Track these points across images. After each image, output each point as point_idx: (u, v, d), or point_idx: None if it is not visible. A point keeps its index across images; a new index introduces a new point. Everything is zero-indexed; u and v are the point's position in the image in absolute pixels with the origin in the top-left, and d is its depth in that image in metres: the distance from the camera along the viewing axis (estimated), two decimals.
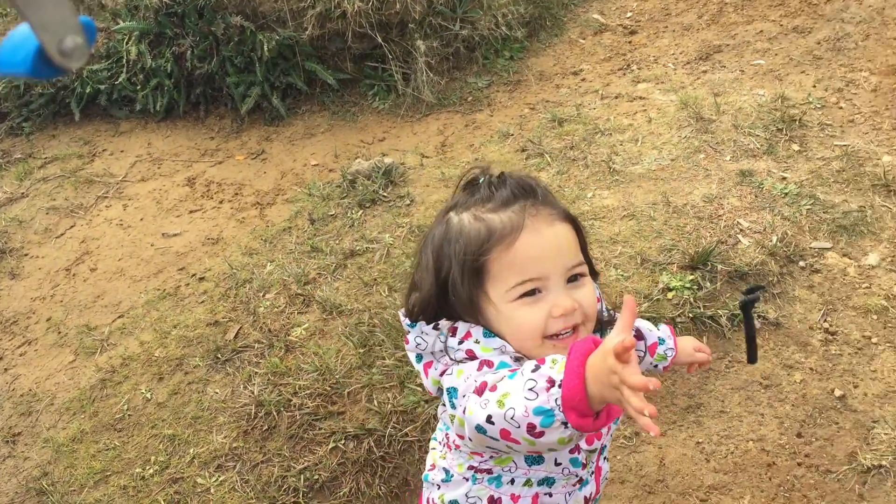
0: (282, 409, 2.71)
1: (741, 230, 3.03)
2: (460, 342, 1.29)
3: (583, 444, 1.35)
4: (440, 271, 1.30)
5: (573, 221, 1.32)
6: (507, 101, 4.37)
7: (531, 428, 1.07)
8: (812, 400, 2.55)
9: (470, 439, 1.20)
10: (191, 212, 3.96)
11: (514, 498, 1.38)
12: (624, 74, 4.33)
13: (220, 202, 3.99)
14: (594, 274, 1.39)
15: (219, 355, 3.01)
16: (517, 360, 1.26)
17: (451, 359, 1.30)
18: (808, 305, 2.81)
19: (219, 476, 2.62)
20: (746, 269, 2.87)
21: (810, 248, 2.97)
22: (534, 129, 3.99)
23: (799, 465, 2.41)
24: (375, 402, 2.66)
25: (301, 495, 2.52)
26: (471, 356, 1.27)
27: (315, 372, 2.78)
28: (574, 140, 3.78)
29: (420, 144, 4.13)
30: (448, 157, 3.97)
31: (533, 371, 1.09)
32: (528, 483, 1.37)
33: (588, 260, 1.33)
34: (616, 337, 1.01)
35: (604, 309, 1.43)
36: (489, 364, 1.25)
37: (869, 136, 3.37)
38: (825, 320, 2.75)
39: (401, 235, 3.38)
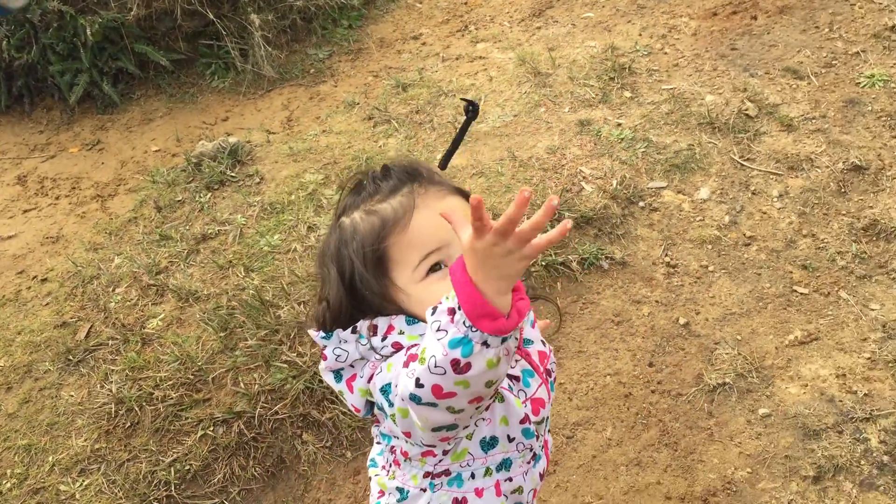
0: (144, 403, 2.63)
1: (584, 177, 3.16)
2: (384, 338, 1.25)
3: (532, 416, 1.33)
4: (344, 275, 1.26)
5: (463, 194, 1.31)
6: (350, 71, 4.34)
7: (455, 364, 1.02)
8: (660, 330, 2.70)
9: (418, 428, 1.16)
10: (25, 211, 3.73)
11: (479, 492, 1.34)
12: (463, 36, 4.39)
13: (57, 198, 3.78)
14: None
15: (70, 357, 2.87)
16: None
17: (378, 358, 1.25)
18: (650, 242, 2.97)
19: (83, 480, 2.52)
20: (591, 213, 3.00)
21: (648, 188, 3.13)
22: (379, 96, 3.99)
23: (653, 392, 2.56)
24: (242, 385, 2.62)
25: (173, 488, 2.46)
26: (398, 348, 1.24)
27: (176, 362, 2.71)
28: (419, 104, 3.80)
29: (265, 121, 4.05)
30: (295, 131, 3.91)
31: (433, 315, 1.06)
32: (487, 472, 1.33)
33: None
34: (465, 232, 1.01)
35: None
36: (414, 357, 1.18)
37: (692, 77, 3.57)
38: (666, 255, 2.92)
39: (253, 214, 3.32)
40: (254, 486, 2.49)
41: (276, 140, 3.82)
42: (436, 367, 1.03)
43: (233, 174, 3.59)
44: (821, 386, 2.46)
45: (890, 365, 2.46)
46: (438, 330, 1.03)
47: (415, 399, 1.09)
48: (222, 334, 2.76)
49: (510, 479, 1.36)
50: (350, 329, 1.26)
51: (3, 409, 2.77)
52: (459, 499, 1.34)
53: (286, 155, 3.65)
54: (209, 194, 3.51)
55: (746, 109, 3.31)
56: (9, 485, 2.54)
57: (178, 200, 3.53)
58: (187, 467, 2.49)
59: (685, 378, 2.57)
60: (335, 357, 1.27)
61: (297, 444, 2.55)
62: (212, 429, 2.55)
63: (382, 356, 1.24)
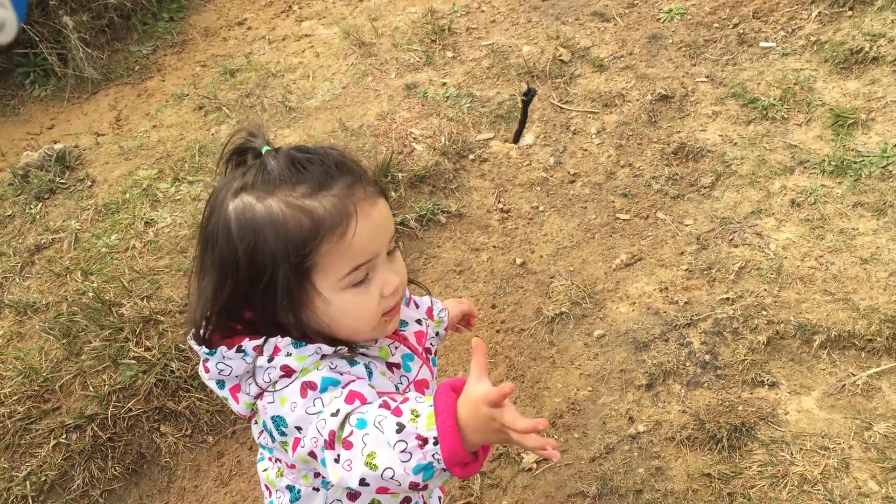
0: None
1: (414, 138, 3.23)
2: (270, 360, 1.20)
3: None
4: (256, 271, 1.16)
5: (381, 188, 1.24)
6: (177, 64, 4.27)
7: (415, 484, 1.05)
8: (499, 273, 2.82)
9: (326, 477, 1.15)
10: None
11: None
12: (287, 16, 4.38)
13: None
14: None
15: None
16: (334, 369, 1.19)
17: (266, 381, 1.20)
18: (483, 192, 3.08)
19: None
20: (424, 171, 3.08)
21: (476, 140, 3.23)
22: (207, 85, 3.94)
23: (497, 331, 2.67)
24: (91, 388, 2.58)
25: (31, 501, 2.41)
26: (287, 372, 1.20)
27: (19, 376, 2.63)
28: (248, 88, 3.79)
29: (93, 124, 3.94)
30: (125, 130, 3.82)
31: (397, 431, 1.05)
32: None
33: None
34: (480, 384, 1.02)
35: None
36: (312, 387, 1.17)
37: (509, 31, 3.69)
38: (499, 201, 3.04)
39: (87, 218, 3.24)
40: (116, 486, 2.47)
41: (105, 141, 3.73)
42: (392, 478, 1.05)
43: (62, 181, 3.49)
44: (647, 301, 2.63)
45: (704, 273, 2.65)
46: (403, 451, 1.04)
47: (350, 489, 1.12)
48: (65, 341, 2.70)
49: None
50: (235, 348, 1.20)
51: None
52: (354, 492, 1.33)
53: (117, 155, 3.58)
54: (39, 204, 3.40)
55: (560, 55, 3.46)
56: None
57: (8, 215, 3.41)
58: (43, 478, 2.44)
59: (526, 314, 2.70)
60: (218, 371, 1.23)
61: (155, 438, 2.54)
62: (64, 436, 2.51)
63: (269, 381, 1.20)
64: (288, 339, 1.21)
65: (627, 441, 2.32)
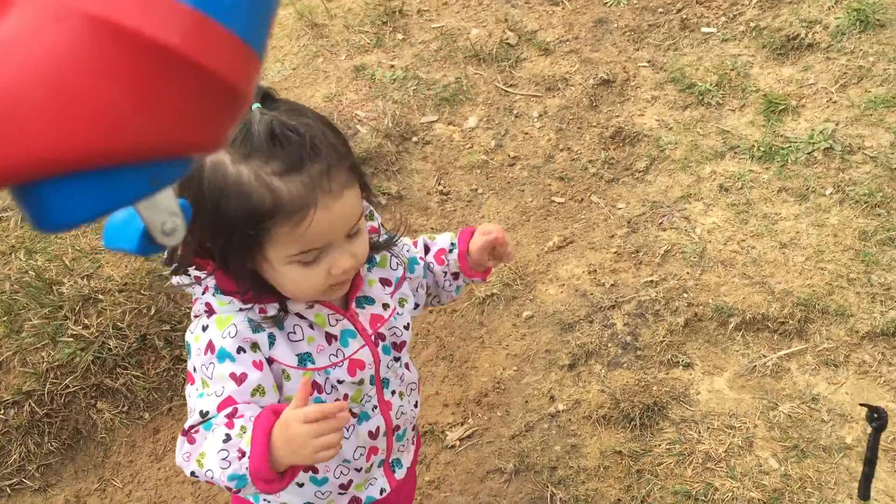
0: None
1: (359, 120, 3.27)
2: (203, 293, 1.29)
3: (347, 376, 1.36)
4: (216, 226, 1.18)
5: (357, 172, 1.22)
6: None
7: (230, 487, 1.18)
8: None
9: None
10: None
11: None
12: None
13: None
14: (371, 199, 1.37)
15: None
16: (237, 334, 1.25)
17: (196, 311, 1.30)
18: (425, 174, 3.13)
19: None
20: (366, 154, 3.12)
21: (420, 123, 3.28)
22: None
23: (430, 311, 2.73)
24: (30, 365, 2.62)
25: None
26: (209, 310, 1.27)
27: None
28: None
29: None
30: None
31: (224, 441, 1.15)
32: None
33: (366, 188, 1.28)
34: (296, 410, 1.12)
35: (381, 234, 1.42)
36: (212, 349, 1.24)
37: (460, 14, 3.72)
38: (439, 183, 3.08)
39: None
40: (52, 461, 2.53)
41: None
42: (212, 479, 1.18)
43: None
44: (575, 283, 2.69)
45: (632, 255, 2.71)
46: (224, 459, 1.15)
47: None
48: (6, 319, 2.75)
49: None
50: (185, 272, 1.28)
51: None
52: None
53: None
54: None
55: (507, 39, 3.50)
56: None
57: None
58: None
59: (458, 297, 2.75)
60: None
61: (92, 414, 2.59)
62: (2, 412, 2.56)
63: (196, 312, 1.29)
64: (213, 283, 1.27)
65: (547, 419, 2.39)
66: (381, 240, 1.40)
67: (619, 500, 2.15)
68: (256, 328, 1.28)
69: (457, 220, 2.97)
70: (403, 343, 1.44)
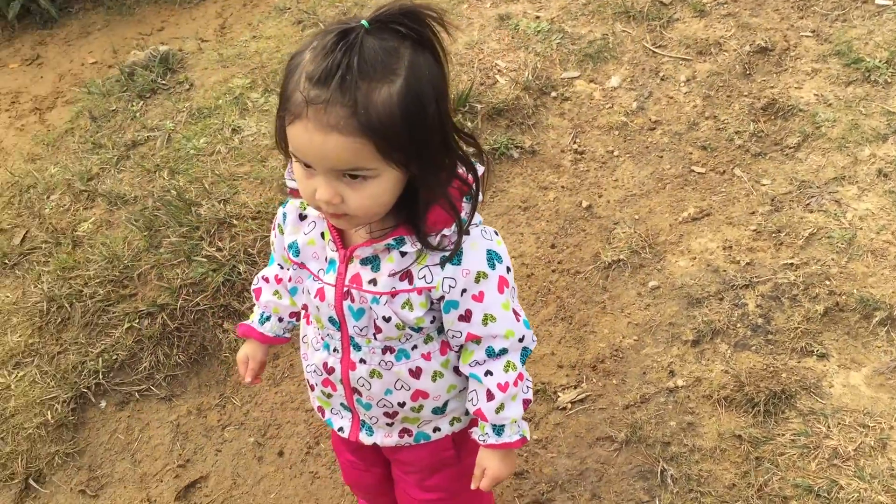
0: (74, 300, 2.77)
1: (498, 70, 3.22)
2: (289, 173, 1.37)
3: (318, 301, 1.44)
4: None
5: (371, 133, 1.16)
6: None
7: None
8: (563, 214, 2.82)
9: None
10: None
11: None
12: None
13: None
14: (457, 165, 1.32)
15: (6, 261, 3.00)
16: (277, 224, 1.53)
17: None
18: (560, 131, 3.05)
19: (18, 372, 2.68)
20: (503, 105, 3.08)
21: (561, 78, 3.19)
22: (309, 0, 4.00)
23: (553, 271, 2.69)
24: (165, 280, 2.75)
25: (102, 376, 2.62)
26: (292, 193, 1.40)
27: (104, 261, 2.83)
28: (347, 6, 3.83)
29: (199, 30, 4.08)
30: (227, 38, 3.95)
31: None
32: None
33: (418, 156, 1.23)
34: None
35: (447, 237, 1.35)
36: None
37: None
38: (574, 142, 3.01)
39: (181, 120, 3.40)
40: (178, 373, 2.65)
41: (207, 48, 3.86)
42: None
43: (164, 82, 3.65)
44: (708, 258, 2.59)
45: (773, 235, 2.58)
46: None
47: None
48: (147, 233, 2.88)
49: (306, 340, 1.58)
50: None
51: None
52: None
53: (216, 61, 3.71)
54: (141, 102, 3.58)
55: None
56: None
57: (112, 110, 3.60)
58: (115, 357, 2.64)
59: (584, 257, 2.70)
60: None
61: (218, 333, 2.69)
62: (137, 321, 2.69)
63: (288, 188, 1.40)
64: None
65: (664, 394, 2.32)
66: (444, 249, 1.34)
67: (733, 484, 2.08)
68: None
69: (589, 180, 2.89)
70: (380, 329, 1.41)
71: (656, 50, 3.21)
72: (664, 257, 2.63)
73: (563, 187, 2.89)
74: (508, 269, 1.42)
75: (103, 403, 2.61)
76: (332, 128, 1.16)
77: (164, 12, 4.30)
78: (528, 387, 1.49)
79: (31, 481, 2.47)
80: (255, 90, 3.45)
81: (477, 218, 1.40)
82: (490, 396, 1.44)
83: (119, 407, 2.60)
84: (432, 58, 1.23)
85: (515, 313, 1.44)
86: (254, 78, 3.52)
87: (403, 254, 1.36)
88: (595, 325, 2.53)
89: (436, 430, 1.59)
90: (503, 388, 1.44)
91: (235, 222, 2.83)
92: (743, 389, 2.24)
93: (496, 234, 1.43)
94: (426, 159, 1.24)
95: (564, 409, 2.35)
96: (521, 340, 1.45)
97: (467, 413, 1.55)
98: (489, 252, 1.39)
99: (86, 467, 2.49)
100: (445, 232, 1.33)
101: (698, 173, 2.82)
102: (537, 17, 3.43)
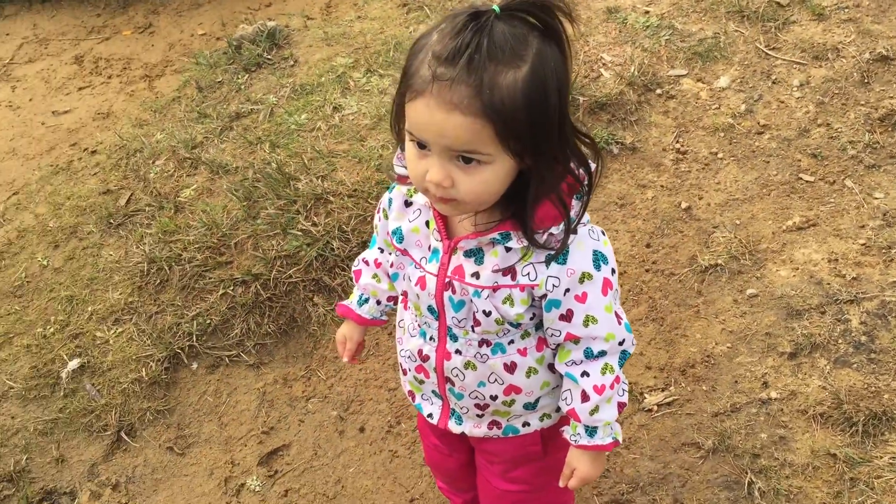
0: (173, 263, 2.85)
1: (603, 64, 3.17)
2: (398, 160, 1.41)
3: (418, 289, 1.44)
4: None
5: (493, 116, 1.15)
6: None
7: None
8: (661, 214, 2.76)
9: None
10: (80, 89, 3.96)
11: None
12: None
13: (109, 77, 4.00)
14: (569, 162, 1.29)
15: (111, 221, 3.12)
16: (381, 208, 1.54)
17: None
18: (663, 129, 2.99)
19: (117, 329, 2.78)
20: (606, 99, 3.03)
21: (667, 75, 3.13)
22: None
23: (647, 271, 2.64)
24: (260, 250, 2.80)
25: (195, 338, 2.70)
26: (400, 180, 1.42)
27: (203, 227, 2.91)
28: None
29: (306, 7, 4.15)
30: (332, 17, 4.00)
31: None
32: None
33: (533, 149, 1.21)
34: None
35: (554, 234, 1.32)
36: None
37: None
38: (677, 141, 2.95)
39: (284, 95, 3.46)
40: (267, 342, 2.70)
41: (313, 25, 3.92)
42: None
43: (269, 57, 3.72)
44: (811, 269, 2.50)
45: (883, 251, 2.48)
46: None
47: None
48: (245, 203, 2.94)
49: (402, 324, 1.58)
50: None
51: (50, 265, 3.05)
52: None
53: (321, 39, 3.76)
54: (246, 76, 3.66)
55: None
56: (52, 329, 2.82)
57: (218, 81, 3.69)
58: (208, 321, 2.72)
59: (679, 259, 2.65)
60: None
61: (308, 306, 2.74)
62: (232, 288, 2.76)
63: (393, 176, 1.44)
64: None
65: (756, 404, 2.26)
66: (550, 248, 1.32)
67: (825, 503, 2.02)
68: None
69: (690, 181, 2.83)
70: (479, 322, 1.40)
71: (769, 52, 3.11)
72: (765, 265, 2.55)
73: (662, 186, 2.84)
74: (613, 272, 1.39)
75: (195, 365, 2.69)
76: (455, 106, 1.15)
77: None
78: (623, 390, 1.46)
79: (122, 434, 2.57)
80: (357, 70, 3.48)
81: (585, 217, 1.37)
82: (585, 398, 1.43)
83: (209, 370, 2.68)
84: (558, 50, 1.21)
85: (618, 316, 1.41)
86: (357, 58, 3.55)
87: (508, 249, 1.34)
88: (687, 328, 2.48)
89: (525, 424, 1.58)
90: (599, 390, 1.42)
91: (332, 199, 2.86)
92: (841, 407, 2.16)
93: (603, 234, 1.40)
94: (542, 151, 1.22)
95: (650, 410, 2.31)
96: (620, 344, 1.42)
97: (558, 410, 1.54)
98: (595, 252, 1.36)
99: (175, 425, 2.57)
100: (553, 230, 1.30)
101: (806, 181, 2.73)
102: (647, 12, 3.36)
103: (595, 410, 1.43)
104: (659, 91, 3.09)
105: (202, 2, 4.43)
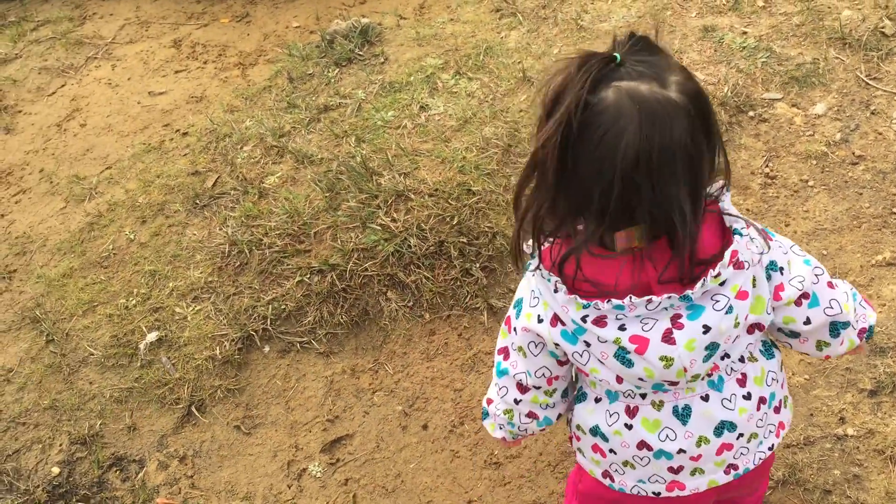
0: (253, 247, 2.92)
1: None
2: None
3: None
4: None
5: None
6: None
7: None
8: None
9: None
10: (176, 72, 4.09)
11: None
12: None
13: (205, 63, 4.11)
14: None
15: (197, 201, 3.20)
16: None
17: None
18: (753, 152, 2.94)
19: (195, 306, 2.85)
20: None
21: (761, 98, 3.07)
22: None
23: None
24: (339, 241, 2.85)
25: (269, 322, 2.75)
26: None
27: (285, 214, 2.97)
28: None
29: (399, 6, 4.19)
30: (425, 18, 4.03)
31: None
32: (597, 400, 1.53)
33: None
34: None
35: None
36: None
37: None
38: (767, 166, 2.89)
39: (373, 91, 3.51)
40: (339, 332, 2.74)
41: (405, 25, 3.96)
42: None
43: (360, 53, 3.78)
44: None
45: None
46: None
47: None
48: (328, 195, 2.99)
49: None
50: None
51: (136, 239, 3.15)
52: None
53: (412, 39, 3.80)
54: (337, 70, 3.72)
55: (883, 27, 3.15)
56: (134, 301, 2.92)
57: (309, 73, 3.76)
58: (283, 307, 2.77)
59: None
60: None
61: (381, 300, 2.77)
62: (308, 276, 2.81)
63: None
64: None
65: (831, 440, 2.20)
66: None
67: None
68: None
69: (777, 207, 2.77)
70: None
71: (870, 82, 3.03)
72: None
73: (747, 210, 2.78)
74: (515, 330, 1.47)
75: (267, 348, 2.74)
76: None
77: None
78: None
79: (193, 409, 2.64)
80: (446, 71, 3.51)
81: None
82: None
83: (280, 354, 2.73)
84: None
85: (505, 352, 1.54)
86: (447, 59, 3.58)
87: None
88: None
89: None
90: None
91: (413, 196, 2.89)
92: None
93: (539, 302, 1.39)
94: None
95: None
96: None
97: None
98: (519, 300, 1.47)
99: (243, 405, 2.63)
100: None
101: None
102: (744, 33, 3.30)
103: None
104: (751, 113, 3.03)
105: None
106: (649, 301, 1.24)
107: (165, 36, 4.37)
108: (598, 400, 1.47)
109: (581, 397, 1.52)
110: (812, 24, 3.26)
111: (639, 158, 1.12)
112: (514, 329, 1.44)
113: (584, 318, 1.29)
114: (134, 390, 2.70)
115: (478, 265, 2.76)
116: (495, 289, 2.75)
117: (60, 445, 2.62)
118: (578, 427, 1.53)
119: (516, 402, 1.51)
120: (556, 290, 1.29)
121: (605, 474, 1.55)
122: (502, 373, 1.50)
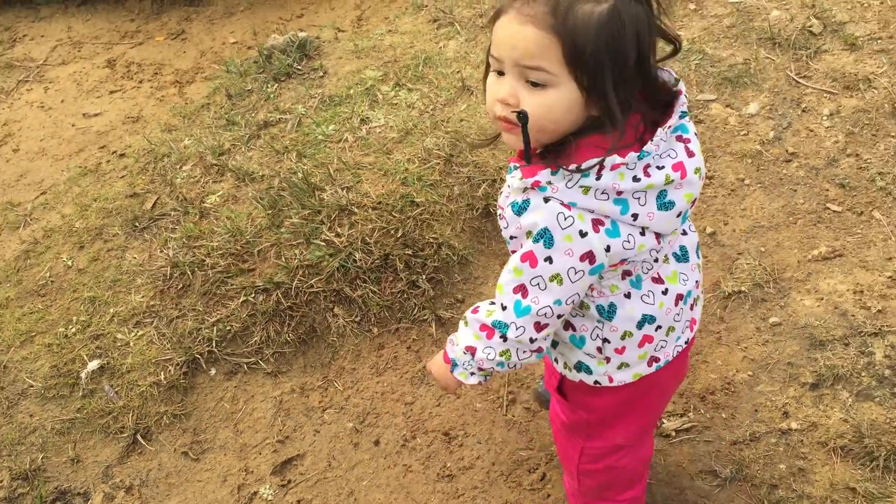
0: (196, 269, 2.87)
1: None
2: None
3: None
4: None
5: (563, 34, 1.23)
6: None
7: None
8: None
9: None
10: (111, 92, 4.01)
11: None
12: None
13: (140, 82, 4.05)
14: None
15: (137, 224, 3.14)
16: None
17: None
18: None
19: (137, 331, 2.79)
20: None
21: (696, 100, 3.12)
22: None
23: None
24: (283, 259, 2.81)
25: (215, 344, 2.71)
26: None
27: (227, 234, 2.92)
28: (483, 9, 3.85)
29: (337, 19, 4.18)
30: (363, 30, 4.03)
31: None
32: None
33: (591, 87, 1.26)
34: None
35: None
36: None
37: None
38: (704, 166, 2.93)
39: (313, 105, 3.48)
40: (286, 350, 2.71)
41: (343, 37, 3.95)
42: None
43: (299, 67, 3.75)
44: (836, 300, 2.48)
45: None
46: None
47: None
48: (270, 212, 2.95)
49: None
50: None
51: (74, 265, 3.07)
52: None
53: (351, 52, 3.78)
54: (276, 85, 3.69)
55: (811, 26, 3.23)
56: (73, 330, 2.85)
57: (248, 90, 3.72)
58: (228, 328, 2.73)
59: (703, 284, 2.62)
60: None
61: (328, 317, 2.74)
62: (253, 296, 2.77)
63: None
64: None
65: (776, 434, 2.23)
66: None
67: None
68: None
69: (715, 206, 2.81)
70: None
71: (800, 80, 3.10)
72: (789, 294, 2.53)
73: None
74: (549, 260, 1.36)
75: (213, 371, 2.69)
76: (530, 18, 1.24)
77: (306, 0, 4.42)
78: (488, 346, 1.51)
79: (139, 437, 2.58)
80: (386, 83, 3.50)
81: (576, 198, 1.32)
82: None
83: (227, 376, 2.68)
84: (645, 8, 1.29)
85: (522, 291, 1.42)
86: (386, 71, 3.57)
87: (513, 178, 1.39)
88: (708, 354, 2.46)
89: (555, 360, 1.69)
90: (473, 311, 1.57)
91: (356, 210, 2.87)
92: (862, 441, 2.13)
93: (570, 225, 1.34)
94: (605, 93, 1.26)
95: (668, 436, 2.29)
96: (503, 308, 1.46)
97: (578, 366, 1.63)
98: (543, 231, 1.34)
99: (191, 430, 2.58)
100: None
101: (834, 211, 2.71)
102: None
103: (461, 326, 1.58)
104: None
105: (235, 11, 4.47)
106: (668, 128, 1.33)
107: (99, 56, 4.29)
108: (627, 296, 1.47)
109: (611, 314, 1.49)
110: (742, 26, 3.33)
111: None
112: (548, 259, 1.35)
113: (635, 179, 1.30)
114: (76, 421, 2.63)
115: (424, 277, 2.75)
116: (442, 300, 2.74)
117: (1, 482, 2.54)
118: (625, 335, 1.51)
119: (531, 340, 1.46)
120: (598, 178, 1.29)
121: (652, 361, 1.58)
122: (524, 311, 1.42)
